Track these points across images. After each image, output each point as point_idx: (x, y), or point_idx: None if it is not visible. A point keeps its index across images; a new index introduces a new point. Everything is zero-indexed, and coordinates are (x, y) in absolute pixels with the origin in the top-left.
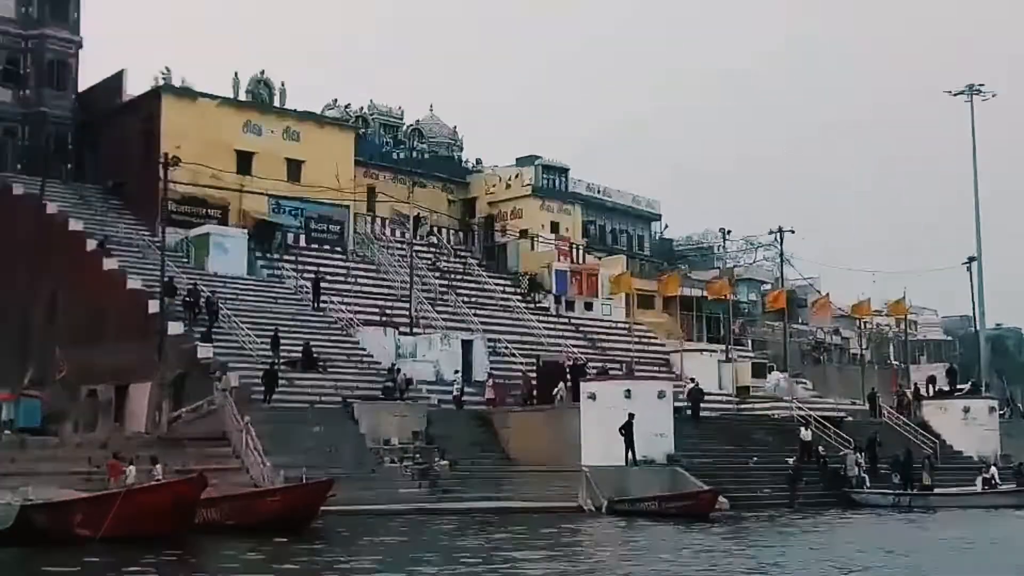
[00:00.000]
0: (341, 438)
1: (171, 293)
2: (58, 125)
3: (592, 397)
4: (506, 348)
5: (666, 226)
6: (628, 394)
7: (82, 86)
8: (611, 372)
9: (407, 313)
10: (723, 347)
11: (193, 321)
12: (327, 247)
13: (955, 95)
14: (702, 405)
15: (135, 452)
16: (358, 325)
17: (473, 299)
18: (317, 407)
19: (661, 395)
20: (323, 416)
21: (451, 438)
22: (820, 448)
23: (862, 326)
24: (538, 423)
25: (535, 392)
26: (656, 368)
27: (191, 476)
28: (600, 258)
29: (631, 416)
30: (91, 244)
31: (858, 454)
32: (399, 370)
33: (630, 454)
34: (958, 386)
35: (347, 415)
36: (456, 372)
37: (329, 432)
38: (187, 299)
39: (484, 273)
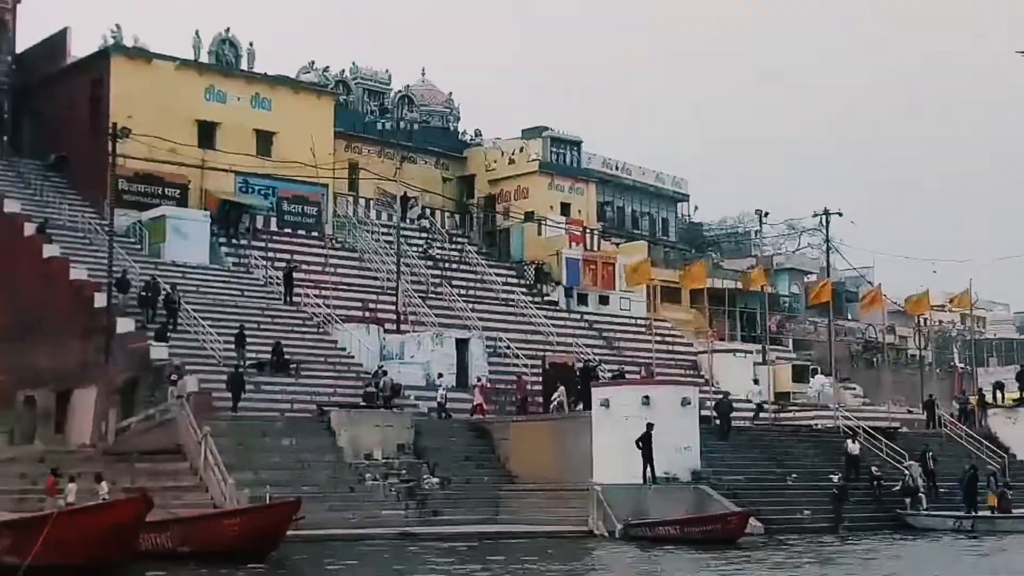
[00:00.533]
0: (315, 452)
1: (124, 288)
2: None
3: (605, 404)
4: (508, 348)
5: (696, 208)
6: (647, 401)
7: (20, 46)
8: (629, 376)
9: (394, 308)
10: (759, 347)
11: (150, 320)
12: (302, 232)
13: None
14: (733, 416)
15: (77, 468)
16: (337, 322)
17: (470, 292)
18: (288, 416)
19: (685, 402)
20: (295, 427)
21: (443, 452)
22: (874, 468)
23: (921, 323)
24: (543, 434)
25: (528, 399)
26: (682, 371)
27: (132, 496)
28: (618, 244)
29: (649, 427)
30: (29, 228)
31: (917, 464)
32: (384, 373)
33: (648, 470)
34: None
35: (323, 425)
36: (440, 376)
37: (302, 445)
38: (143, 294)
39: (483, 262)
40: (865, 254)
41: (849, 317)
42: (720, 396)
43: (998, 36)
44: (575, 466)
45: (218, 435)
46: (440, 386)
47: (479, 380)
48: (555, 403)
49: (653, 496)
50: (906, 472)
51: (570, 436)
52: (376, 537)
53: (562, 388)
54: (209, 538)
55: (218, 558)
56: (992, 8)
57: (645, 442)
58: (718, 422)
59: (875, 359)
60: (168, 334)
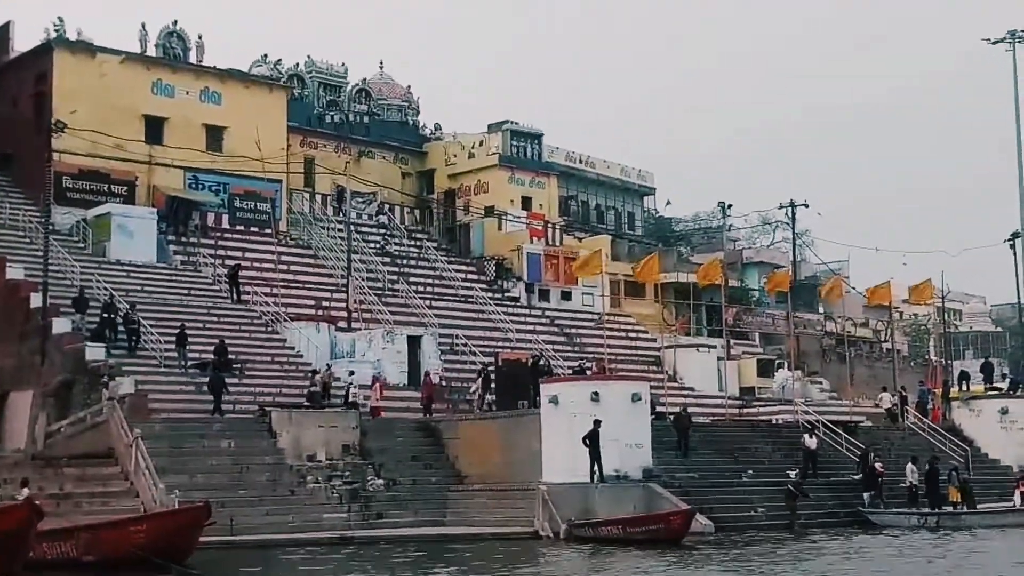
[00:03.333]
0: (255, 454)
1: (82, 307)
2: None
3: (554, 401)
4: (465, 345)
5: (668, 203)
6: (596, 397)
7: None
8: (589, 372)
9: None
10: (723, 342)
11: (111, 341)
12: (255, 229)
13: (994, 43)
14: (694, 413)
15: (4, 473)
16: (286, 320)
17: (428, 289)
18: (229, 417)
19: (636, 398)
20: (234, 428)
21: (389, 452)
22: (878, 465)
23: (892, 316)
24: (492, 433)
25: (434, 398)
26: (645, 367)
27: (17, 503)
28: (581, 239)
29: (597, 423)
30: None
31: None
32: (315, 372)
33: (596, 469)
34: (995, 384)
35: (264, 427)
36: (352, 373)
37: (241, 447)
38: (104, 316)
39: (443, 258)
40: (841, 249)
41: (822, 311)
42: (678, 410)
43: (969, 24)
44: (524, 465)
45: (153, 438)
46: (351, 383)
47: (427, 375)
48: (475, 395)
49: (601, 495)
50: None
51: (519, 434)
52: (313, 542)
53: (480, 380)
54: (115, 546)
55: (125, 567)
56: None
57: (592, 440)
58: (677, 442)
59: (849, 353)
60: (131, 353)
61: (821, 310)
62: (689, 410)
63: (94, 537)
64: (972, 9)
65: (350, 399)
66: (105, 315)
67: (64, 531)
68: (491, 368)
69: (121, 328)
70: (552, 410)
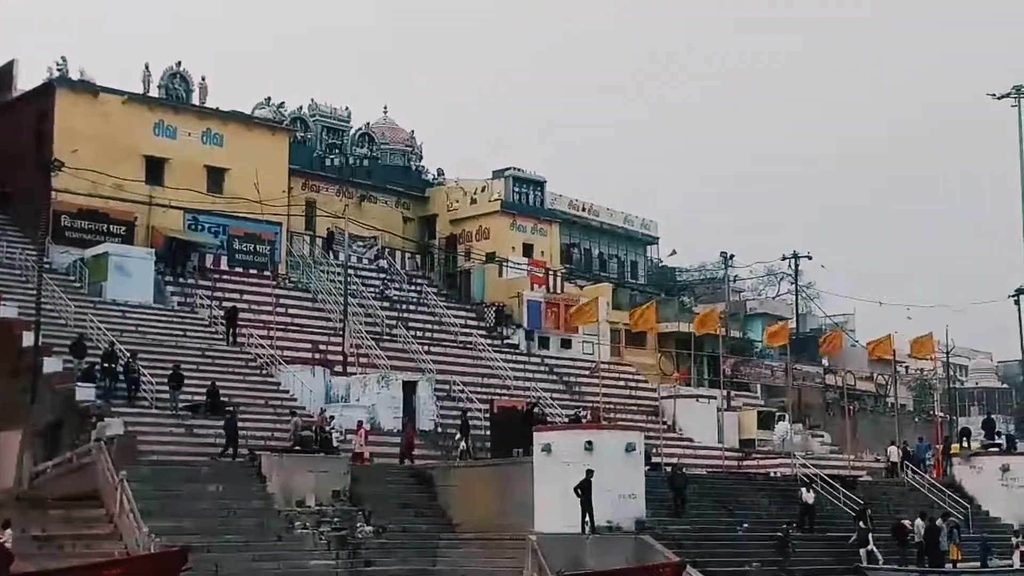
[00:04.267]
0: (243, 499)
1: (80, 353)
2: None
3: (547, 450)
4: (462, 391)
5: (673, 252)
6: (589, 446)
7: None
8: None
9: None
10: (724, 393)
11: (110, 390)
12: (253, 271)
13: (999, 99)
14: (689, 465)
15: None
16: (280, 363)
17: (427, 334)
18: (220, 459)
19: (630, 448)
20: (223, 472)
21: (381, 499)
22: (939, 521)
23: (895, 371)
24: (484, 481)
25: (414, 449)
26: (644, 417)
27: None
28: (582, 287)
29: (589, 473)
30: None
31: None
32: (294, 414)
33: (588, 519)
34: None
35: (253, 471)
36: (332, 417)
37: (229, 492)
38: (105, 365)
39: (442, 304)
40: (847, 303)
41: (825, 364)
42: (673, 466)
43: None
44: (517, 514)
45: (140, 480)
46: (333, 428)
47: (406, 422)
48: (459, 448)
49: (592, 546)
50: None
51: (512, 483)
52: None
53: (460, 426)
54: None
55: None
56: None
57: (584, 489)
58: (673, 498)
59: (852, 407)
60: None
61: (825, 363)
62: (684, 467)
63: None
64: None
65: (333, 444)
66: (106, 364)
67: (35, 574)
68: (470, 415)
69: (121, 377)
70: (545, 459)
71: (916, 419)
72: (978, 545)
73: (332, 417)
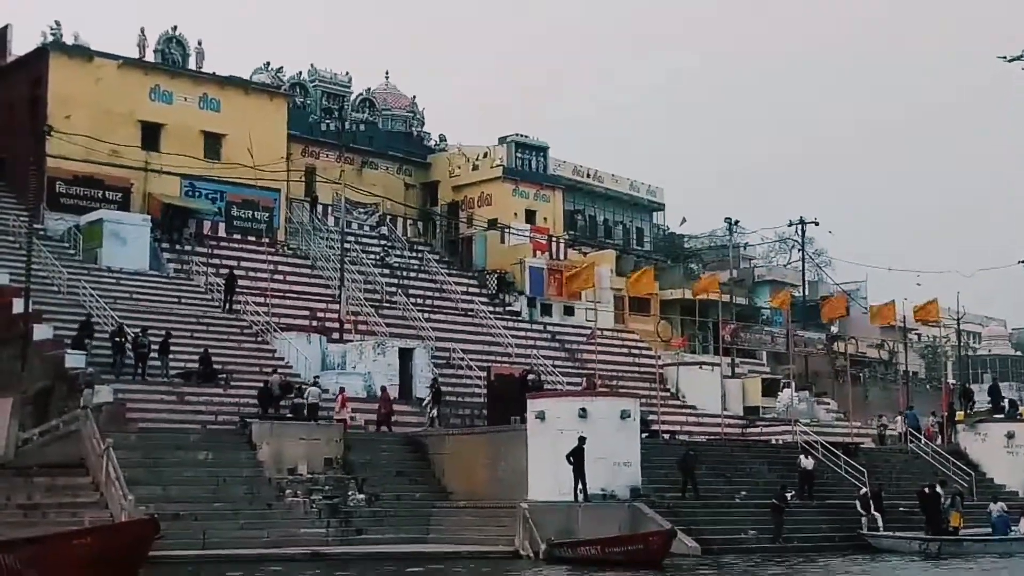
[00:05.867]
0: (233, 467)
1: (89, 333)
2: None
3: (540, 417)
4: (462, 359)
5: (684, 220)
6: (583, 413)
7: None
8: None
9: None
10: (728, 360)
11: (118, 366)
12: (252, 238)
13: (1010, 61)
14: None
15: None
16: (276, 331)
17: (427, 301)
18: (208, 428)
19: (625, 415)
20: (213, 440)
21: (374, 467)
22: (945, 493)
23: (907, 337)
24: (478, 449)
25: (392, 415)
26: (648, 384)
27: None
28: (586, 254)
29: (581, 440)
30: None
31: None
32: (273, 371)
33: (580, 487)
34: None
35: (244, 439)
36: (316, 379)
37: (219, 459)
38: (116, 340)
39: (444, 271)
40: (860, 271)
41: (834, 331)
42: (684, 450)
43: (988, 43)
44: (510, 482)
45: (128, 448)
46: (310, 394)
47: (383, 389)
48: (428, 412)
49: (584, 514)
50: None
51: (506, 450)
52: (286, 558)
53: (430, 396)
54: (59, 559)
55: None
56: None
57: (577, 457)
58: (683, 485)
59: (862, 375)
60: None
61: (834, 330)
62: (694, 446)
63: (37, 550)
64: (985, 29)
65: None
66: (117, 339)
67: (5, 543)
68: (441, 383)
69: (130, 353)
70: (538, 426)
71: (928, 387)
72: (993, 516)
73: (316, 379)
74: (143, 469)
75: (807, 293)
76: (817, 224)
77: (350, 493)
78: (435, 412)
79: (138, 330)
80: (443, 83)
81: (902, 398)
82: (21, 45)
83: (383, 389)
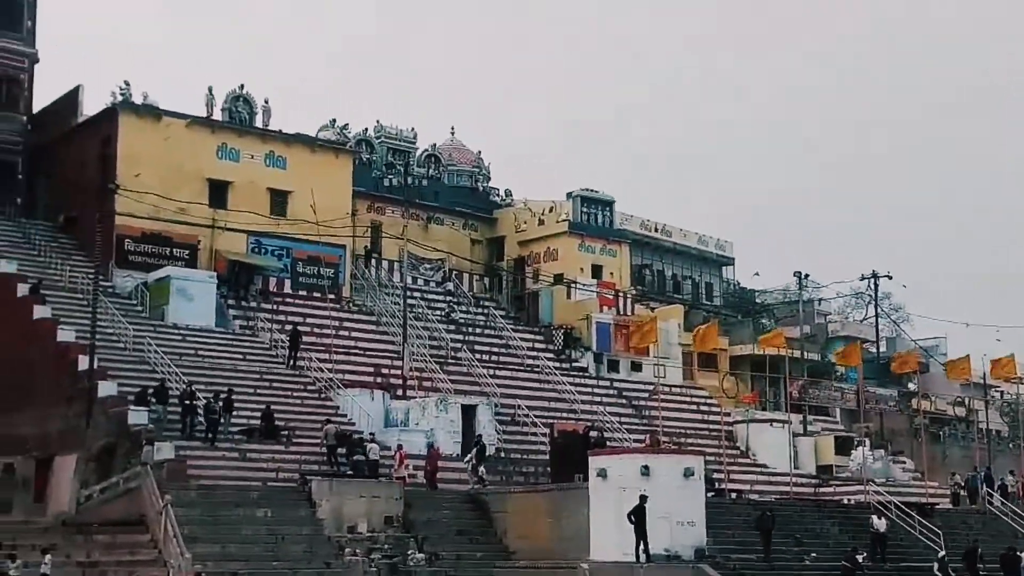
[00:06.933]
0: (292, 524)
1: (163, 399)
2: (6, 151)
3: (602, 475)
4: (526, 416)
5: (756, 274)
6: (646, 471)
7: (37, 105)
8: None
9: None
10: (800, 417)
11: (188, 430)
12: (317, 295)
13: None
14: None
15: (33, 540)
16: (339, 387)
17: (493, 357)
18: (269, 485)
19: (689, 473)
20: (272, 497)
21: (435, 525)
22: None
23: (988, 395)
24: (540, 507)
25: (437, 473)
26: (716, 442)
27: None
28: (654, 309)
29: (643, 499)
30: (22, 289)
31: None
32: (328, 421)
33: (642, 547)
34: None
35: (303, 496)
36: (372, 435)
37: (278, 517)
38: (186, 403)
39: (509, 326)
40: (940, 327)
41: (911, 387)
42: (761, 511)
43: None
44: (573, 541)
45: (187, 505)
46: (371, 450)
47: (431, 447)
48: (469, 465)
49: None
50: None
51: (567, 509)
52: None
53: (474, 450)
54: None
55: None
56: None
57: (638, 516)
58: (762, 541)
59: (942, 433)
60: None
61: (912, 387)
62: (772, 508)
63: None
64: None
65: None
66: (187, 402)
67: None
68: (483, 439)
69: (200, 418)
70: (600, 484)
71: (1011, 445)
72: None
73: (372, 435)
74: (202, 526)
75: (885, 349)
76: (891, 278)
77: (410, 552)
78: (482, 470)
79: (210, 396)
80: (508, 136)
81: (979, 457)
82: (92, 105)
83: (429, 447)
